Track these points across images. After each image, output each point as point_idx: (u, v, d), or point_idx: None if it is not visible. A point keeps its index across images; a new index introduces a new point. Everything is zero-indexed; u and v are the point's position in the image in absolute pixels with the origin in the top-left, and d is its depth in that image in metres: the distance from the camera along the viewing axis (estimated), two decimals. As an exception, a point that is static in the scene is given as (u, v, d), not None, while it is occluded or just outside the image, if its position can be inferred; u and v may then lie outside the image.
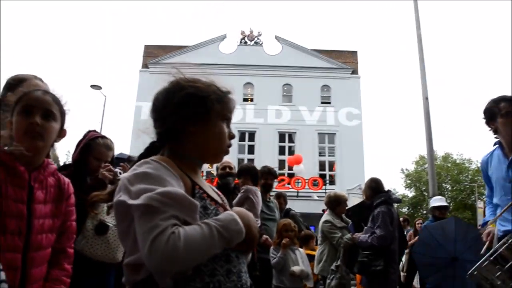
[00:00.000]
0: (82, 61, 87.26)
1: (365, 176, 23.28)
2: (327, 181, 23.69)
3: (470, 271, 2.75)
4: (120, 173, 2.86)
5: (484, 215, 3.53)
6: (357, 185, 22.18)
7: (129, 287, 1.18)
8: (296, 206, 17.39)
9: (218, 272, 1.17)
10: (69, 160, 3.21)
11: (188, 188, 1.21)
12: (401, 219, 7.77)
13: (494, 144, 3.22)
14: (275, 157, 24.58)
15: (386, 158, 72.36)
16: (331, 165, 25.49)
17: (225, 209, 1.28)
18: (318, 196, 21.17)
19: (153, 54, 27.37)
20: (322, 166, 25.36)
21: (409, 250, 8.63)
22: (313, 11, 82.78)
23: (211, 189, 1.37)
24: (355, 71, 27.36)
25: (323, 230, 5.24)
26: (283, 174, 23.03)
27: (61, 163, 4.28)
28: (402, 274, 8.18)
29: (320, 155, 25.56)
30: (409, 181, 42.71)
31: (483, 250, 3.05)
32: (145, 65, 26.99)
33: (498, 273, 2.55)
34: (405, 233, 8.15)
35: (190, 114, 1.27)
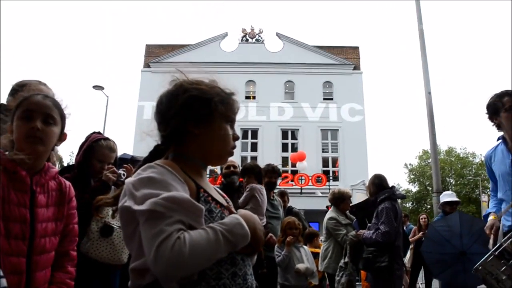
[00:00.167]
0: (84, 62, 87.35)
1: (369, 172, 23.32)
2: (331, 178, 23.69)
3: (476, 266, 2.74)
4: (124, 175, 2.87)
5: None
6: (360, 181, 22.19)
7: None
8: (299, 203, 17.43)
9: (224, 276, 1.17)
10: (73, 161, 3.21)
11: (192, 192, 1.20)
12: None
13: (498, 139, 3.21)
14: (278, 154, 24.56)
15: (389, 153, 72.32)
16: (334, 162, 25.48)
17: (230, 212, 1.28)
18: (321, 193, 21.19)
19: (155, 54, 27.38)
20: (325, 162, 25.34)
21: (414, 245, 8.65)
22: (314, 7, 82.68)
23: (216, 191, 1.37)
24: (357, 67, 27.28)
25: (328, 227, 5.24)
26: (286, 171, 23.04)
27: (65, 164, 4.30)
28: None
29: (323, 152, 25.53)
30: (412, 176, 42.67)
31: (490, 245, 3.05)
32: (146, 65, 27.01)
33: (503, 268, 2.54)
34: (405, 228, 8.15)
35: (194, 116, 1.27)
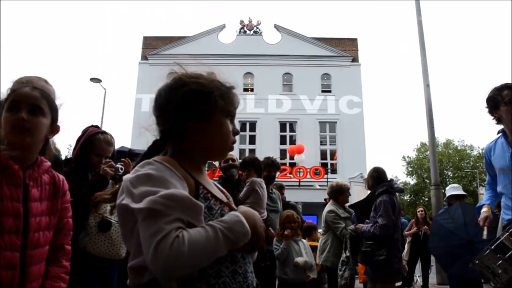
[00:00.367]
0: (81, 54, 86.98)
1: (367, 164, 23.40)
2: (329, 170, 23.72)
3: (474, 260, 2.75)
4: (122, 169, 2.86)
5: None
6: (358, 174, 22.22)
7: None
8: (298, 196, 17.50)
9: (224, 274, 1.15)
10: (71, 154, 3.20)
11: (191, 189, 1.18)
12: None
13: (498, 132, 3.20)
14: (276, 147, 24.58)
15: (387, 145, 72.42)
16: (332, 154, 25.52)
17: (231, 208, 1.27)
18: (319, 185, 21.25)
19: (152, 46, 27.28)
20: (323, 155, 25.38)
21: (411, 238, 8.69)
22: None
23: (215, 188, 1.35)
24: (355, 59, 27.24)
25: (327, 220, 5.24)
26: (284, 164, 23.05)
27: (63, 158, 4.27)
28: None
29: (321, 144, 25.58)
30: (410, 169, 42.77)
31: (484, 236, 3.06)
32: (144, 57, 26.92)
33: (499, 262, 2.56)
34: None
35: (193, 111, 1.25)
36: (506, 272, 2.50)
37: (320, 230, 6.32)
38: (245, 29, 27.86)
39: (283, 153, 24.59)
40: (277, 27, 27.79)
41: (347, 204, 5.47)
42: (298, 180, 21.79)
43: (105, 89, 21.79)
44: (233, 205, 1.30)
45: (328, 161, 25.18)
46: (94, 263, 2.69)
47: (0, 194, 1.56)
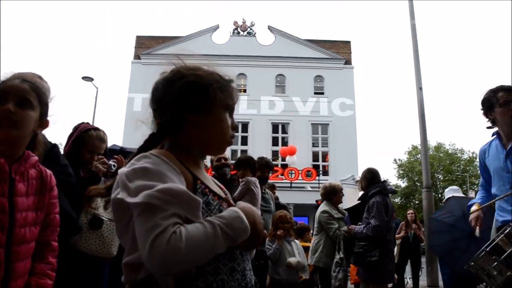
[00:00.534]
0: (73, 52, 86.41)
1: (359, 167, 23.46)
2: (321, 172, 23.75)
3: (468, 261, 2.74)
4: (114, 166, 2.82)
5: None
6: (350, 176, 22.30)
7: (128, 286, 1.13)
8: (289, 197, 17.49)
9: (222, 271, 1.12)
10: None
11: (189, 183, 1.15)
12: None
13: (493, 135, 3.20)
14: (269, 148, 24.55)
15: (379, 148, 72.75)
16: (324, 156, 25.54)
17: (229, 204, 1.23)
18: (311, 187, 21.26)
19: (145, 45, 27.15)
20: (315, 156, 25.41)
21: (400, 241, 8.71)
22: (307, 1, 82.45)
23: (213, 183, 1.32)
24: (348, 62, 27.31)
25: (320, 220, 5.24)
26: (276, 165, 23.02)
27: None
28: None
29: (313, 146, 25.58)
30: (401, 172, 42.98)
31: (477, 233, 3.06)
32: (137, 56, 26.77)
33: (495, 264, 2.55)
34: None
35: (191, 103, 1.22)
36: (501, 273, 2.49)
37: (311, 231, 6.32)
38: (239, 30, 27.81)
39: (275, 154, 24.57)
40: (270, 28, 27.78)
41: (340, 205, 5.47)
42: (289, 181, 21.78)
43: (97, 88, 21.67)
44: (232, 201, 1.27)
45: (320, 163, 25.21)
46: (85, 261, 2.65)
47: None
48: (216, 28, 27.78)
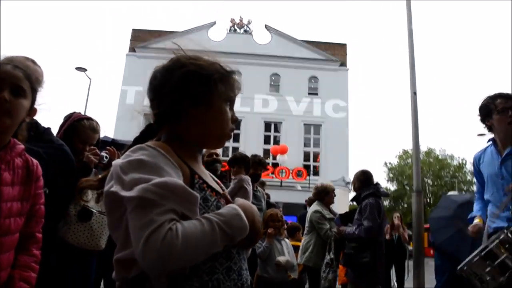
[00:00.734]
0: (67, 42, 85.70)
1: (349, 168, 23.57)
2: (311, 172, 23.80)
3: (460, 266, 2.73)
4: (106, 157, 2.76)
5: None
6: (340, 177, 22.38)
7: (119, 284, 1.08)
8: (279, 196, 17.46)
9: (218, 270, 1.07)
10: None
11: (186, 178, 1.10)
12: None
13: (488, 141, 3.21)
14: (260, 146, 24.54)
15: (370, 151, 73.09)
16: (316, 156, 25.61)
17: (227, 200, 1.19)
18: (301, 187, 21.29)
19: (141, 38, 26.97)
20: (306, 156, 25.46)
21: (385, 244, 8.72)
22: (305, 1, 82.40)
23: (210, 178, 1.27)
24: (343, 64, 27.38)
25: (312, 220, 5.23)
26: (268, 164, 23.00)
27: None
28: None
29: (305, 146, 25.64)
30: (391, 175, 43.27)
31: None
32: (132, 49, 26.61)
33: (488, 269, 2.54)
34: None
35: (191, 94, 1.16)
36: (494, 279, 2.49)
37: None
38: (236, 27, 27.75)
39: (266, 152, 24.54)
40: (267, 27, 27.76)
41: (331, 206, 5.46)
42: (280, 180, 21.79)
43: (90, 78, 21.49)
44: (229, 198, 1.22)
45: (311, 163, 25.27)
46: (73, 253, 2.59)
47: None
48: (212, 24, 27.70)
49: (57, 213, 2.42)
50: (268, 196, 6.51)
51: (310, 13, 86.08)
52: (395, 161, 43.87)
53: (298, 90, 26.08)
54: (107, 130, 23.52)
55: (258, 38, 27.58)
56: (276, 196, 14.54)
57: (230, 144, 24.57)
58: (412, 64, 11.56)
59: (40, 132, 2.35)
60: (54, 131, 2.64)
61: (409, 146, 36.05)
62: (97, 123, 2.93)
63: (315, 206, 5.35)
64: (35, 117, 1.75)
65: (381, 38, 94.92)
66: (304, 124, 25.80)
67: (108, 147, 2.86)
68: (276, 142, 25.29)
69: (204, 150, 1.35)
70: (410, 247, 11.10)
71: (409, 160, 38.54)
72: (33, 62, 2.31)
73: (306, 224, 5.40)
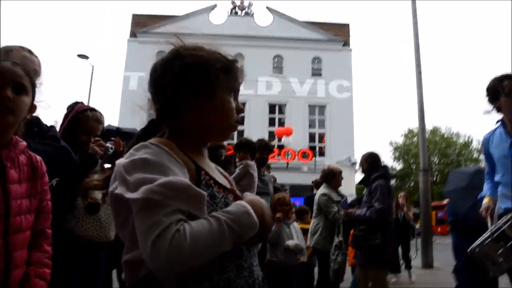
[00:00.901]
0: (68, 30, 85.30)
1: (355, 148, 23.55)
2: (317, 153, 23.81)
3: (471, 248, 2.72)
4: (112, 148, 2.73)
5: None
6: (346, 157, 22.35)
7: (128, 285, 1.07)
8: (285, 178, 17.50)
9: (228, 269, 1.05)
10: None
11: (192, 175, 1.06)
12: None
13: (497, 122, 3.17)
14: (265, 129, 24.53)
15: (375, 130, 72.90)
16: (321, 137, 25.57)
17: (235, 196, 1.15)
18: (308, 168, 21.31)
19: (141, 24, 26.74)
20: (312, 138, 25.42)
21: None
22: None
23: (218, 172, 1.23)
24: (346, 44, 27.10)
25: (319, 203, 5.22)
26: (273, 146, 23.01)
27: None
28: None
29: (310, 127, 25.57)
30: (397, 154, 43.21)
31: (489, 225, 3.00)
32: (133, 34, 26.43)
33: (500, 251, 2.53)
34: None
35: (192, 86, 1.12)
36: (506, 260, 2.48)
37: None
38: (237, 10, 27.42)
39: (271, 135, 24.52)
40: (269, 9, 27.42)
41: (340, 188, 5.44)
42: (286, 162, 21.81)
43: (92, 66, 21.45)
44: (238, 192, 1.18)
45: (317, 144, 25.23)
46: (81, 246, 2.58)
47: None
48: (213, 7, 27.39)
49: (62, 209, 2.41)
50: (275, 179, 6.49)
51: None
52: (400, 140, 43.77)
53: (302, 71, 25.88)
54: (111, 118, 23.58)
55: (260, 20, 27.29)
56: (283, 178, 14.55)
57: (235, 127, 24.55)
58: (417, 43, 11.49)
59: (42, 129, 2.33)
60: (57, 125, 2.63)
61: (414, 125, 36.08)
62: (100, 113, 2.90)
63: (322, 189, 5.34)
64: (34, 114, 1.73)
65: (384, 18, 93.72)
66: (309, 105, 25.69)
67: (113, 138, 2.83)
68: (281, 124, 25.22)
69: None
70: (417, 225, 11.15)
71: (415, 139, 38.41)
72: (30, 52, 2.27)
73: (314, 207, 5.39)
